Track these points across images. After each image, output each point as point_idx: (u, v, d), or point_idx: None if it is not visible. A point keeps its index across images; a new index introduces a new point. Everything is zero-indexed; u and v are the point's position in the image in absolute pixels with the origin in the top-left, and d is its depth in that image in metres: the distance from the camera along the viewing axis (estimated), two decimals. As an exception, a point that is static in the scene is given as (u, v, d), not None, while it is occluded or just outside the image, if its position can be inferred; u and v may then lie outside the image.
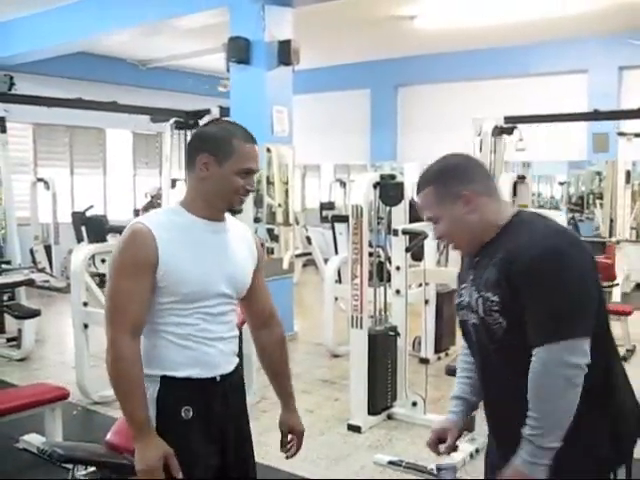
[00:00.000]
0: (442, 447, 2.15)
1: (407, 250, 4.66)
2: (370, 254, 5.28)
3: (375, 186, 4.84)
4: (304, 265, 11.11)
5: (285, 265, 7.76)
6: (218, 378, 2.13)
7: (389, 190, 4.83)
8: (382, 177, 4.85)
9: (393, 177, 4.94)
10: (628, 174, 9.77)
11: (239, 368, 2.27)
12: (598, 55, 10.41)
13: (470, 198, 1.89)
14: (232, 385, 2.21)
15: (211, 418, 2.12)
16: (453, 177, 1.93)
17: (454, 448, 2.15)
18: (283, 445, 2.38)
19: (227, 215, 2.21)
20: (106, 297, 2.08)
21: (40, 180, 10.44)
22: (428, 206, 1.95)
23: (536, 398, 1.76)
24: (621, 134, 9.40)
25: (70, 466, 2.99)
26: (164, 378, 2.07)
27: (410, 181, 11.91)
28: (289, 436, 2.38)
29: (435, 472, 3.77)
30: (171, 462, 1.99)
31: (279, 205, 7.84)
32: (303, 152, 12.25)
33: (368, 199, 4.78)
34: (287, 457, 2.39)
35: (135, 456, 1.98)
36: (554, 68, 10.75)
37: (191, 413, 2.08)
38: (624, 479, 1.87)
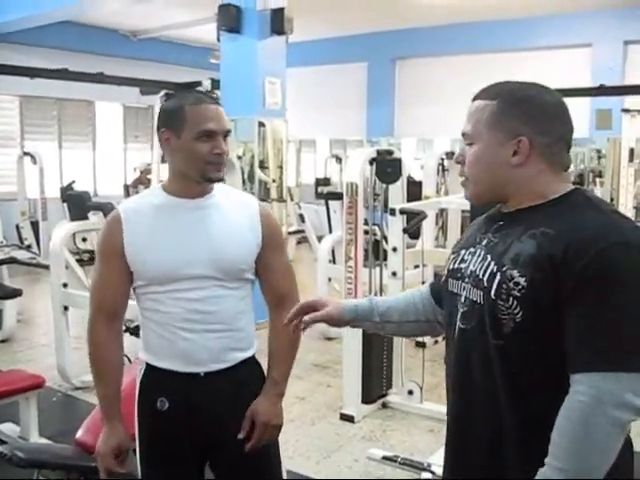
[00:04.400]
0: (307, 316, 1.69)
1: (405, 231, 4.40)
2: (366, 232, 5.04)
3: (371, 162, 4.57)
4: (298, 242, 10.84)
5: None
6: (202, 374, 2.01)
7: (386, 166, 4.56)
8: (379, 153, 4.58)
9: (390, 153, 4.68)
10: (631, 152, 9.50)
11: (248, 365, 2.10)
12: (603, 29, 10.11)
13: (524, 149, 1.45)
14: (230, 382, 2.03)
15: (190, 414, 2.00)
16: (528, 112, 1.46)
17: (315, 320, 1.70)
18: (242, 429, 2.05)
19: (222, 188, 2.10)
20: None
21: (27, 154, 10.13)
22: (474, 120, 1.51)
23: (573, 440, 1.29)
24: (625, 110, 9.13)
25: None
26: (148, 365, 2.05)
27: (408, 157, 11.72)
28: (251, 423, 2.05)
29: (433, 469, 3.58)
30: (121, 456, 2.00)
31: (273, 181, 7.61)
32: (298, 126, 12.06)
33: (364, 176, 4.52)
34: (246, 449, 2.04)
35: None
36: (557, 42, 10.45)
37: (167, 405, 2.00)
38: None
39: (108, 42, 11.40)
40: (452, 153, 6.81)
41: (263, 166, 7.47)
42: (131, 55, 11.61)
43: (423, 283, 5.98)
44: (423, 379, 4.59)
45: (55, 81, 8.33)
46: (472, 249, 1.55)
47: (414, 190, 6.60)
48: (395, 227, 4.55)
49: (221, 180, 2.03)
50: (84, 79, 7.91)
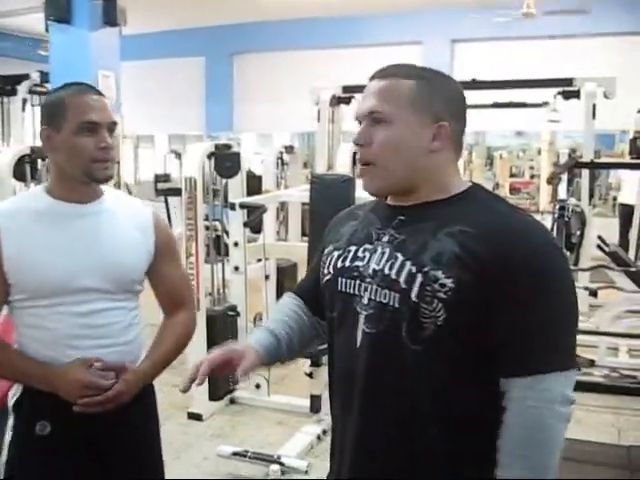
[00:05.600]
0: (239, 370, 1.42)
1: (246, 225, 4.38)
2: (207, 228, 4.97)
3: (210, 157, 4.52)
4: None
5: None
6: None
7: (225, 161, 4.53)
8: (217, 147, 4.53)
9: (229, 147, 4.64)
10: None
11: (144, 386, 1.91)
12: (432, 27, 10.57)
13: (445, 134, 1.36)
14: (124, 406, 1.81)
15: (76, 441, 1.81)
16: (447, 95, 1.40)
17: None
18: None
19: (112, 192, 1.95)
20: None
21: None
22: (390, 98, 1.36)
23: (531, 445, 1.25)
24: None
25: None
26: (25, 387, 1.84)
27: (248, 152, 11.66)
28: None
29: (282, 461, 3.60)
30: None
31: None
32: (135, 122, 11.72)
33: (202, 171, 4.45)
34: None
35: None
36: (390, 39, 10.81)
37: (48, 429, 1.80)
38: None
39: None
40: (291, 147, 6.86)
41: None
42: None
43: (267, 277, 6.02)
44: (269, 372, 4.59)
45: None
46: (368, 245, 1.41)
47: (254, 184, 6.59)
48: (236, 221, 4.52)
49: (110, 179, 1.85)
50: None
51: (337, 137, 7.10)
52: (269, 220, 5.88)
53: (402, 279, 1.31)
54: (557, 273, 1.30)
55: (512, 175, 12.27)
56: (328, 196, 3.94)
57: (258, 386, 4.64)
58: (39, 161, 4.38)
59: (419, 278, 1.29)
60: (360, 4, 10.10)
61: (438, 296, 1.27)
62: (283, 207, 6.69)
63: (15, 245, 1.76)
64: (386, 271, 1.35)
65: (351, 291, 1.41)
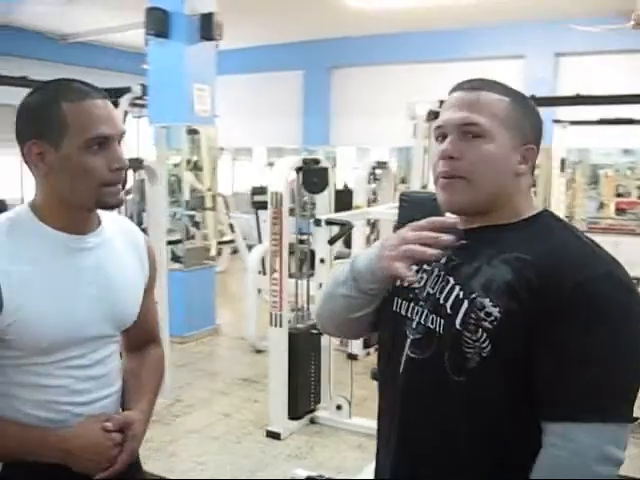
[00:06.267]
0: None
1: (330, 242, 4.29)
2: (301, 242, 4.93)
3: (297, 171, 4.46)
4: (233, 252, 10.65)
5: (212, 252, 7.41)
6: None
7: (312, 176, 4.46)
8: (305, 162, 4.47)
9: (317, 162, 4.57)
10: (562, 162, 9.62)
11: None
12: (535, 41, 10.22)
13: (531, 158, 1.30)
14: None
15: None
16: (533, 118, 1.33)
17: None
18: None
19: (107, 217, 1.60)
20: None
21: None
22: (488, 112, 1.28)
23: None
24: (556, 121, 9.24)
25: None
26: (7, 468, 1.48)
27: (345, 166, 11.57)
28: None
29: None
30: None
31: (208, 189, 7.48)
32: (234, 134, 11.88)
33: (289, 185, 4.39)
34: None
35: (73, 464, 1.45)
36: (491, 53, 10.51)
37: None
38: None
39: (33, 45, 11.00)
40: (384, 162, 6.74)
41: (197, 174, 7.33)
42: (58, 59, 11.25)
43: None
44: (352, 393, 4.48)
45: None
46: (427, 267, 1.34)
47: (346, 199, 6.51)
48: (321, 238, 4.44)
49: (121, 205, 1.51)
50: (6, 82, 7.58)
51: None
52: (359, 236, 5.78)
53: (449, 304, 1.25)
54: (613, 307, 1.15)
55: (618, 195, 11.71)
56: (416, 214, 3.80)
57: (339, 407, 4.53)
58: (130, 171, 4.42)
59: (465, 304, 1.22)
60: (459, 18, 9.89)
61: (483, 325, 1.19)
62: (376, 223, 6.59)
63: (14, 290, 1.39)
64: (437, 295, 1.29)
65: (403, 312, 1.35)
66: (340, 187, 8.79)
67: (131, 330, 1.66)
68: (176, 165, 7.08)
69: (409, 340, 1.31)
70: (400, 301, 1.36)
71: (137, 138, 11.79)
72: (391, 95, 11.02)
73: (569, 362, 1.13)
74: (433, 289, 1.30)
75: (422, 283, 1.33)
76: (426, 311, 1.29)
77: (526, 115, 1.31)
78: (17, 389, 1.46)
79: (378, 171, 6.69)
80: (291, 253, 5.56)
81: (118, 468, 1.47)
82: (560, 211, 9.66)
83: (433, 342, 1.26)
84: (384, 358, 1.41)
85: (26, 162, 1.47)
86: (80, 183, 1.42)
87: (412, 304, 1.33)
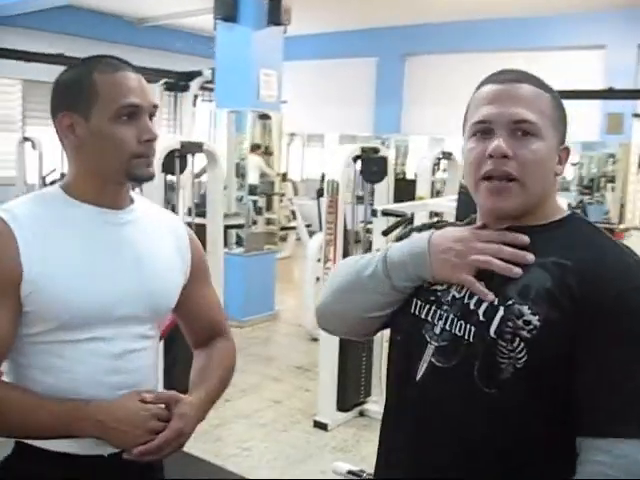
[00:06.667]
0: None
1: (384, 233, 4.20)
2: (367, 231, 4.90)
3: (356, 160, 4.38)
4: (298, 238, 10.66)
5: (275, 238, 7.46)
6: (106, 455, 1.42)
7: (371, 165, 4.37)
8: (363, 150, 4.39)
9: (376, 150, 4.48)
10: (642, 158, 9.25)
11: None
12: (617, 31, 9.81)
13: (566, 157, 1.26)
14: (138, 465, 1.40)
15: None
16: (564, 116, 1.26)
17: None
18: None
19: (141, 199, 1.57)
20: None
21: (27, 139, 9.99)
22: (534, 109, 1.19)
23: None
24: (637, 115, 8.87)
25: None
26: (19, 445, 1.43)
27: (416, 155, 11.38)
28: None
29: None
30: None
31: (278, 175, 7.51)
32: (304, 121, 11.88)
33: (346, 174, 4.32)
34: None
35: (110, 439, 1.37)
36: (570, 42, 10.16)
37: None
38: None
39: (110, 28, 11.17)
40: (449, 153, 6.58)
41: (267, 159, 7.34)
42: (133, 42, 11.40)
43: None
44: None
45: (59, 66, 8.17)
46: None
47: (409, 189, 6.38)
48: (377, 228, 4.36)
49: (152, 178, 1.47)
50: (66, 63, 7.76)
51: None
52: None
53: (481, 310, 1.17)
54: None
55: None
56: (473, 207, 3.69)
57: (389, 401, 4.45)
58: (188, 156, 4.44)
59: (500, 311, 1.14)
60: (537, 5, 9.58)
61: (520, 334, 1.11)
62: (438, 216, 6.45)
63: (38, 261, 1.36)
64: (465, 299, 1.21)
65: (423, 316, 1.26)
66: (411, 177, 8.68)
67: (195, 325, 1.68)
68: (246, 149, 7.10)
69: (433, 347, 1.22)
70: (420, 303, 1.28)
71: (209, 122, 11.91)
72: (463, 83, 10.73)
73: (611, 371, 1.07)
74: (459, 293, 1.22)
75: (445, 285, 1.25)
76: (452, 316, 1.21)
77: (563, 113, 1.25)
78: (32, 372, 1.41)
79: (444, 162, 6.53)
80: (357, 242, 5.51)
81: (157, 444, 1.36)
82: (637, 208, 9.31)
83: (460, 350, 1.18)
84: (397, 361, 1.33)
85: (59, 137, 1.46)
86: (110, 155, 1.41)
87: (434, 307, 1.25)
